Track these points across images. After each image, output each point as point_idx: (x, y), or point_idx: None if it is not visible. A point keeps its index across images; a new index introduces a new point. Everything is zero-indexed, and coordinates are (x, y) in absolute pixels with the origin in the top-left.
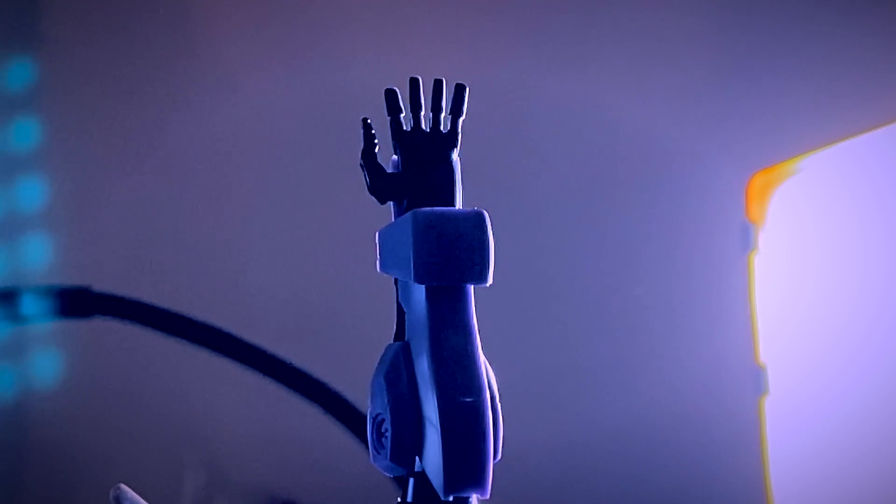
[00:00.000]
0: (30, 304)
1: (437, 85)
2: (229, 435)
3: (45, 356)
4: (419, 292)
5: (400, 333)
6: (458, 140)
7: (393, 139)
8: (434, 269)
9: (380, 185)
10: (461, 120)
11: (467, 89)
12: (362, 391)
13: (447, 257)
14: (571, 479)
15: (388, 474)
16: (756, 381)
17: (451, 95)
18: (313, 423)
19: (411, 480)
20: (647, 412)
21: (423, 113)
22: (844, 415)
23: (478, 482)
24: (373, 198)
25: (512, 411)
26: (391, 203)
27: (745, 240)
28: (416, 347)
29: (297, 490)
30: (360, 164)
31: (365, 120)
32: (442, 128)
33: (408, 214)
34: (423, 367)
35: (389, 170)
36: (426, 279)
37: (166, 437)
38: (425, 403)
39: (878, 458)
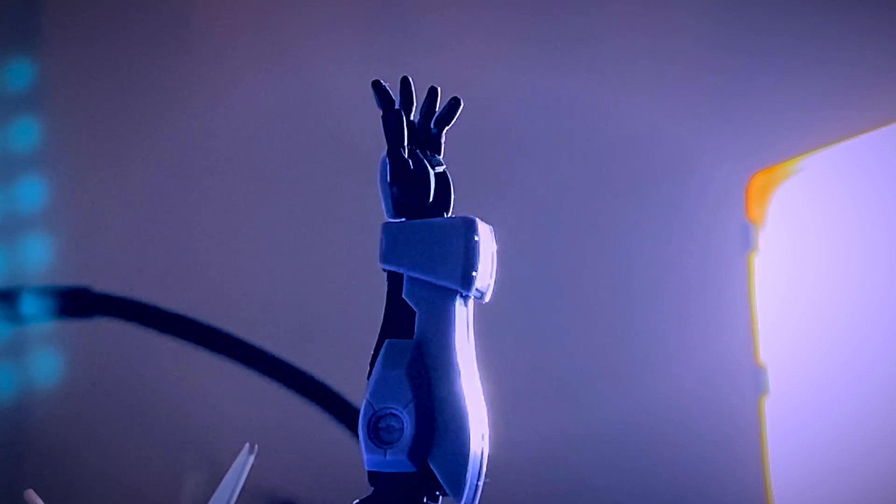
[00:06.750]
0: (30, 304)
1: (432, 92)
2: (229, 435)
3: (45, 356)
4: (444, 296)
5: (396, 330)
6: (441, 149)
7: (403, 139)
8: (475, 279)
9: (405, 180)
10: (446, 129)
11: (461, 104)
12: (362, 391)
13: (483, 268)
14: (571, 479)
15: (382, 469)
16: (756, 381)
17: (444, 105)
18: (313, 423)
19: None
20: (647, 412)
21: (413, 114)
22: (844, 415)
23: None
24: (379, 193)
25: (513, 411)
26: (384, 200)
27: (745, 240)
28: (436, 349)
29: (297, 490)
30: (385, 158)
31: (398, 112)
32: (431, 134)
33: (458, 219)
34: (450, 370)
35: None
36: (471, 287)
37: (166, 437)
38: (444, 404)
39: (878, 458)
